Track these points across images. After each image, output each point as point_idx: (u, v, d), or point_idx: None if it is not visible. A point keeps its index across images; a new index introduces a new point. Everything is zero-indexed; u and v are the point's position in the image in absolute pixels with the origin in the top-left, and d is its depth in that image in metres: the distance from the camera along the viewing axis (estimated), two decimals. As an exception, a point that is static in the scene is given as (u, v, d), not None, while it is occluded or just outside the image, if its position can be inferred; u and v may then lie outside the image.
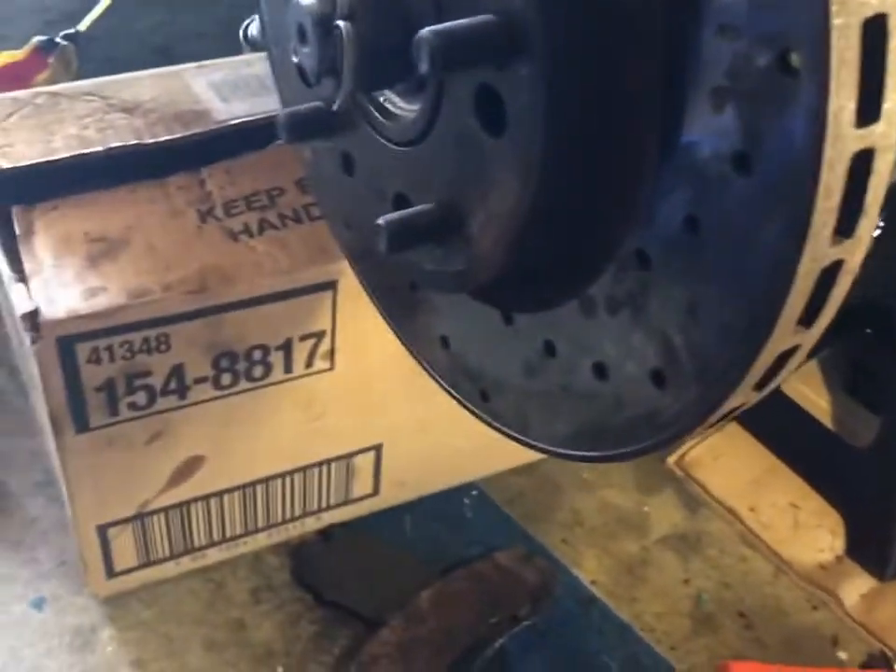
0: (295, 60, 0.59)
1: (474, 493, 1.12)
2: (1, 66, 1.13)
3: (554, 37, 0.47)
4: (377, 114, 0.60)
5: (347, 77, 0.55)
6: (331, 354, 0.93)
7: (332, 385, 0.95)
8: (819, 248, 0.44)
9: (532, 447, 0.63)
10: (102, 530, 0.95)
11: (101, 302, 0.82)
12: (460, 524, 1.09)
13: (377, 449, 1.03)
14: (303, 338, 0.91)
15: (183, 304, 0.84)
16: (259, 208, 0.91)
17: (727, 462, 1.17)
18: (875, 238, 1.12)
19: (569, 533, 1.10)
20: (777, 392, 1.25)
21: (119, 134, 0.93)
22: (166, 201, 0.90)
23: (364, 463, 1.03)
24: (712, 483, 1.16)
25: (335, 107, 0.57)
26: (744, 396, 0.51)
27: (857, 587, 1.07)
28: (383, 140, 0.60)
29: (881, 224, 1.13)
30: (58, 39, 1.19)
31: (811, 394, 1.18)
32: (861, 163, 0.43)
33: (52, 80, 1.20)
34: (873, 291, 1.12)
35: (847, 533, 1.11)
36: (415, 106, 0.57)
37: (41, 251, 0.85)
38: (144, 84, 1.01)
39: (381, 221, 0.56)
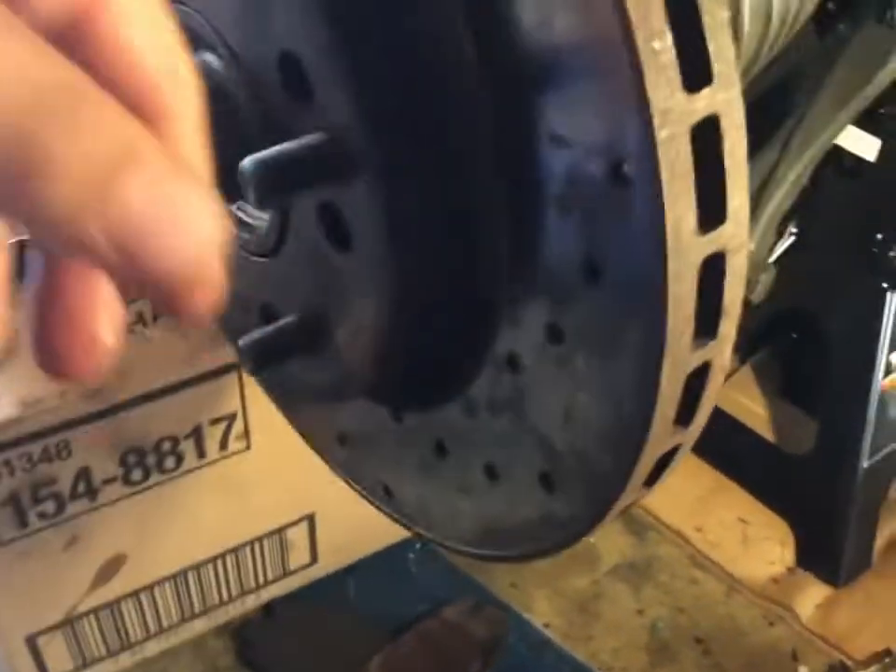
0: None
1: (417, 546, 1.09)
2: None
3: (383, 153, 0.45)
4: (233, 224, 0.57)
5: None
6: (246, 434, 0.90)
7: (252, 465, 0.92)
8: (680, 355, 0.42)
9: (440, 545, 0.61)
10: (31, 640, 0.92)
11: (-7, 417, 0.79)
12: (405, 580, 1.07)
13: (309, 518, 1.00)
14: (214, 422, 0.88)
15: (80, 409, 0.81)
16: (152, 294, 0.88)
17: (670, 482, 1.15)
18: (792, 246, 1.11)
19: (517, 576, 1.08)
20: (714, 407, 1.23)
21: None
22: (55, 298, 0.87)
23: (298, 535, 1.01)
24: (656, 505, 1.14)
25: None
26: (633, 495, 0.49)
27: (811, 598, 1.06)
28: (242, 251, 0.57)
29: (794, 231, 1.12)
30: None
31: (747, 402, 1.16)
32: (714, 267, 0.41)
33: None
34: (796, 298, 1.11)
35: (797, 542, 1.10)
36: (267, 217, 0.55)
37: (-76, 372, 0.81)
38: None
39: (241, 343, 0.53)
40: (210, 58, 0.52)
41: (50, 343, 0.31)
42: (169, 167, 0.26)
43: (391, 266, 0.47)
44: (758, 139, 0.84)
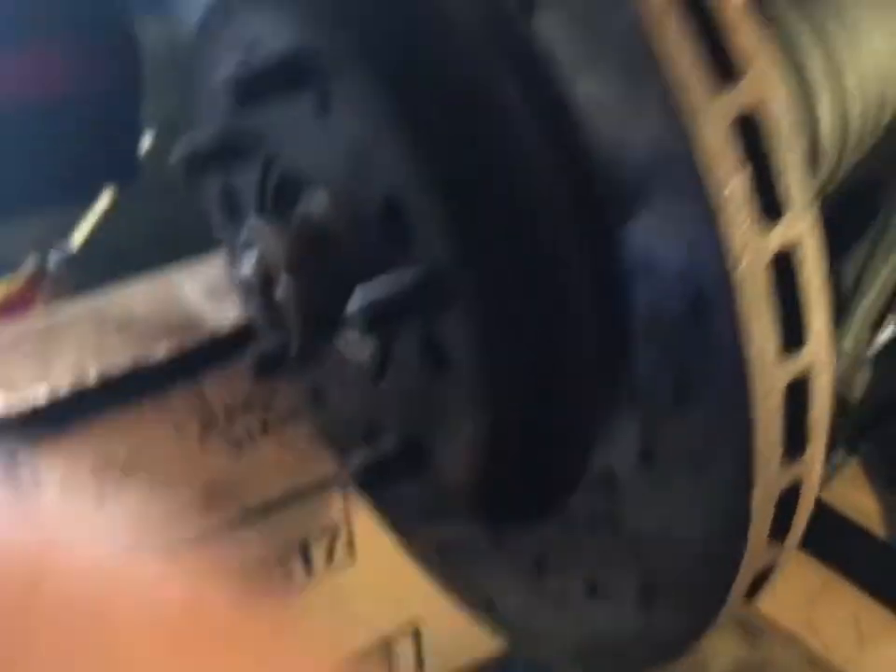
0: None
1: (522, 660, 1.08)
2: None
3: (479, 286, 0.47)
4: (339, 349, 0.60)
5: (293, 331, 0.55)
6: (351, 547, 0.92)
7: (357, 578, 0.94)
8: (769, 477, 0.43)
9: (543, 661, 0.62)
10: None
11: (111, 536, 0.82)
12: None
13: (415, 631, 1.01)
14: (319, 535, 0.90)
15: (193, 525, 0.84)
16: (259, 409, 0.91)
17: (780, 580, 1.13)
18: (893, 340, 1.09)
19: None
20: (820, 502, 1.22)
21: (115, 356, 0.95)
22: (168, 417, 0.91)
23: (404, 647, 1.01)
24: (767, 603, 1.12)
25: (291, 355, 0.58)
26: (735, 608, 0.49)
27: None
28: (347, 373, 0.60)
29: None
30: (50, 264, 1.22)
31: (855, 496, 1.14)
32: (799, 388, 0.42)
33: (50, 302, 1.21)
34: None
35: (915, 641, 1.06)
36: (372, 343, 0.57)
37: (49, 494, 0.85)
38: (136, 297, 1.02)
39: (350, 467, 0.55)
40: (318, 200, 0.55)
41: None
42: None
43: (487, 388, 0.49)
44: (851, 236, 0.85)
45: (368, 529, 0.91)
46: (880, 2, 0.61)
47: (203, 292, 1.03)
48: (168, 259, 1.14)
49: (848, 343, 0.77)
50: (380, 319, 0.48)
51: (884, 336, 1.11)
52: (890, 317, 1.10)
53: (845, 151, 0.63)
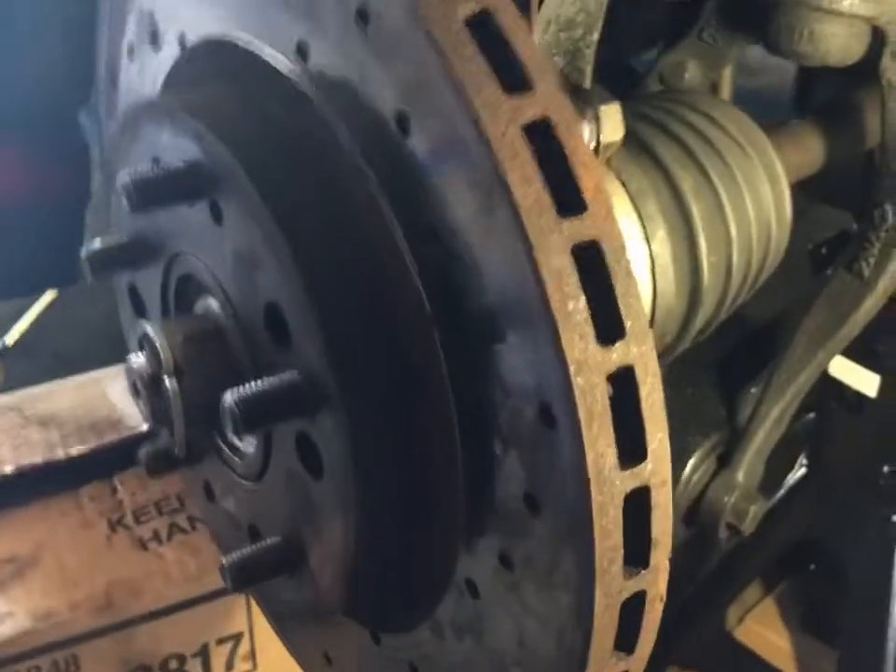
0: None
1: None
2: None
3: (350, 392, 0.49)
4: (225, 448, 0.62)
5: (178, 427, 0.57)
6: (252, 654, 0.92)
7: (256, 685, 0.93)
8: (611, 584, 0.44)
9: None
10: None
11: (6, 630, 0.82)
12: None
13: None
14: (220, 641, 0.90)
15: (90, 623, 0.84)
16: (168, 512, 0.92)
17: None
18: (803, 479, 1.12)
19: None
20: (733, 640, 1.22)
21: (32, 450, 0.95)
22: (78, 513, 0.91)
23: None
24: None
25: (177, 451, 0.59)
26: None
27: None
28: (232, 473, 0.61)
29: (804, 463, 1.13)
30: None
31: (769, 635, 1.15)
32: (639, 501, 0.44)
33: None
34: (811, 528, 1.12)
35: None
36: (254, 443, 0.59)
37: (-54, 583, 0.85)
38: (63, 395, 1.03)
39: (224, 561, 0.56)
40: (212, 302, 0.58)
41: None
42: None
43: (356, 494, 0.51)
44: (748, 375, 0.88)
45: (270, 637, 0.91)
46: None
47: (125, 391, 1.05)
48: (103, 361, 1.15)
49: (741, 476, 0.80)
50: (251, 418, 0.50)
51: (795, 476, 1.14)
52: (800, 458, 1.13)
53: (727, 291, 0.66)
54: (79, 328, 1.54)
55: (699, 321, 0.68)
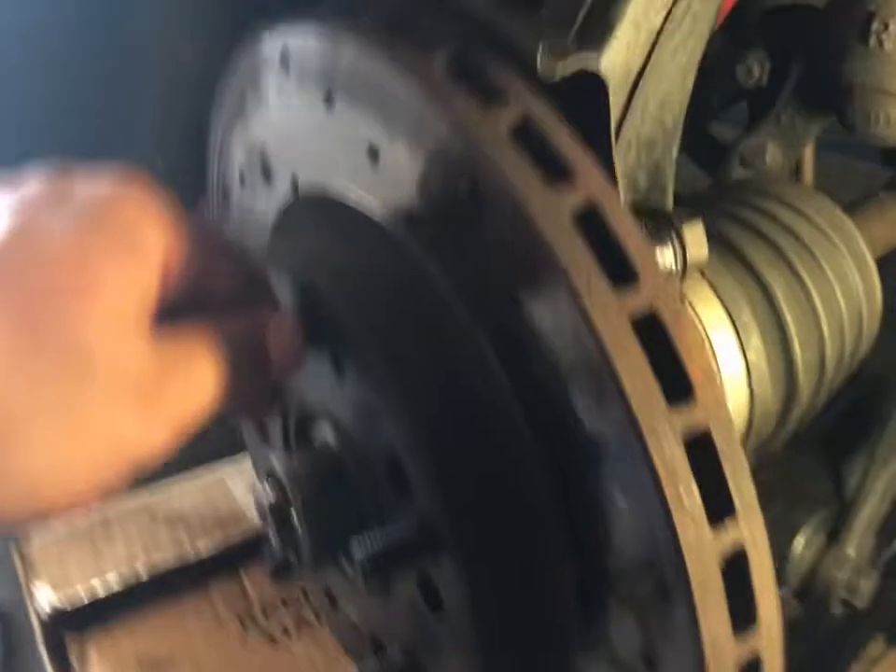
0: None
1: None
2: None
3: (466, 539, 0.52)
4: (347, 566, 0.65)
5: (305, 557, 0.60)
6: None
7: None
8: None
9: None
10: None
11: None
12: None
13: None
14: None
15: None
16: (294, 605, 0.96)
17: None
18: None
19: None
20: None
21: (163, 550, 1.01)
22: (210, 611, 0.96)
23: None
24: None
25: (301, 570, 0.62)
26: None
27: None
28: (354, 586, 0.65)
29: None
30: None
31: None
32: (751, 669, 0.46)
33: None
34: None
35: None
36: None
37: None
38: (187, 493, 1.09)
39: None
40: (329, 433, 0.61)
41: None
42: None
43: (476, 632, 0.54)
44: (852, 446, 0.88)
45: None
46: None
47: (247, 487, 1.09)
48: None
49: (852, 550, 0.80)
50: (379, 570, 0.54)
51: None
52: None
53: (821, 385, 0.67)
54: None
55: (795, 417, 0.69)
